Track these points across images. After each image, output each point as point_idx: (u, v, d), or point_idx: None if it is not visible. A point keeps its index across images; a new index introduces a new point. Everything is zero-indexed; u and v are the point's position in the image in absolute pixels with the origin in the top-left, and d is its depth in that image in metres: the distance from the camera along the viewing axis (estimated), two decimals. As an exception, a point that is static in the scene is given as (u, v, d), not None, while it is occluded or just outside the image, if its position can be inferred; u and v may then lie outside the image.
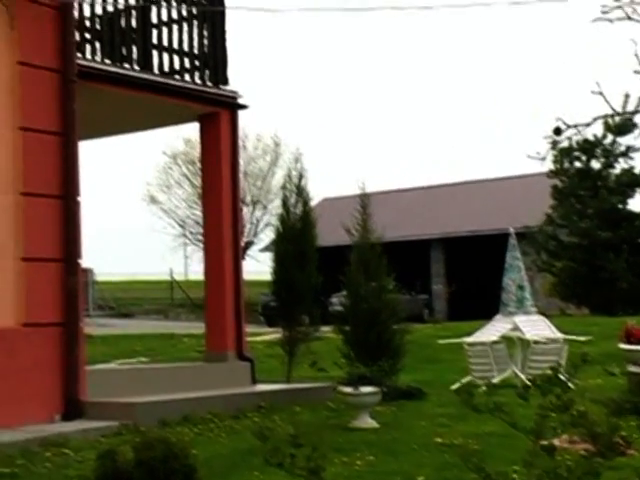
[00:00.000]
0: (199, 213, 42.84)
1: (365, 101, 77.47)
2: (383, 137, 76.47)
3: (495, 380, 11.86)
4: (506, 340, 12.82)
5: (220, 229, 11.83)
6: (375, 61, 77.43)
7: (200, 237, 44.16)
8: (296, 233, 12.32)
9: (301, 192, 12.43)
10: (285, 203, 12.44)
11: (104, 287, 40.31)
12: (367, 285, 12.01)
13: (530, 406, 3.64)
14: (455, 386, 11.55)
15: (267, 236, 40.17)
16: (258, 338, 19.04)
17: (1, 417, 8.25)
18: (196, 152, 41.79)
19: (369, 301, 11.84)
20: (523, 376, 11.77)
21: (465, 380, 12.11)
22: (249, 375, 11.51)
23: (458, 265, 36.25)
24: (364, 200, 12.52)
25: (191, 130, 28.59)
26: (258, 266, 36.32)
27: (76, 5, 9.76)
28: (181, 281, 45.87)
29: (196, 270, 48.23)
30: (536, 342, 12.40)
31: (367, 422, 9.09)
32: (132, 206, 77.89)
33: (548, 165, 28.07)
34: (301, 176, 12.47)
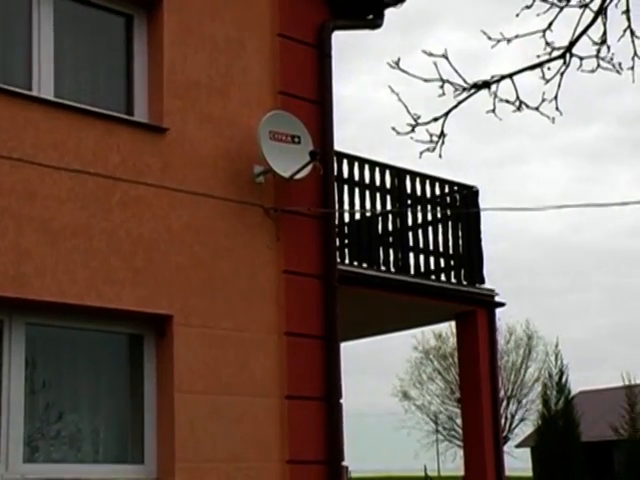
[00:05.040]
0: (452, 409, 42.44)
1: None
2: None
3: None
4: None
5: (480, 427, 11.73)
6: None
7: (453, 433, 43.62)
8: (559, 431, 12.02)
9: (562, 389, 12.18)
10: (546, 401, 12.21)
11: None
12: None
13: None
14: None
15: (522, 431, 39.11)
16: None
17: None
18: (448, 347, 41.84)
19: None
20: None
21: None
22: None
23: None
24: (630, 395, 12.07)
25: (442, 325, 28.76)
26: (514, 463, 35.25)
27: (336, 213, 10.17)
28: (435, 477, 45.09)
29: (449, 467, 47.38)
30: None
31: None
32: (383, 402, 78.13)
33: None
34: (562, 373, 12.25)
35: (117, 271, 8.13)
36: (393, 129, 5.83)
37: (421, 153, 5.95)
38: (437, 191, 12.08)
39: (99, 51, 8.94)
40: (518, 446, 38.25)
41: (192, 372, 8.39)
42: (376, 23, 10.13)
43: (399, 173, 11.72)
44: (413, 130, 5.69)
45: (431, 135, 5.76)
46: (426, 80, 5.59)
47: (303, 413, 9.04)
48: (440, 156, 5.76)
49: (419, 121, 5.57)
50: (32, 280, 7.68)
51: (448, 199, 12.19)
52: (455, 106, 5.73)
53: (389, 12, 10.09)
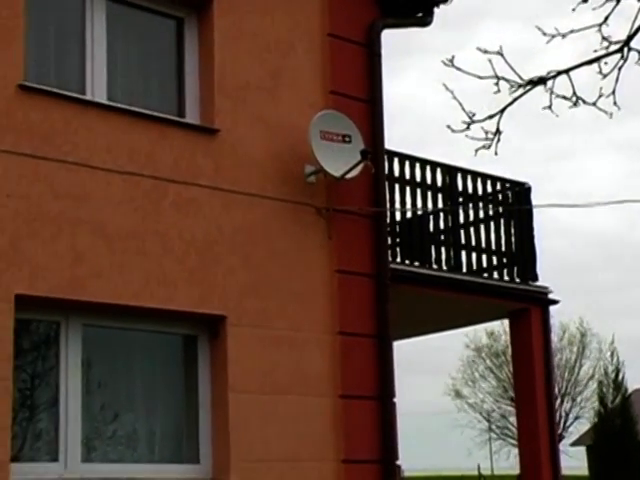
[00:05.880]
0: (505, 407, 42.22)
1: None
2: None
3: None
4: None
5: (535, 425, 11.66)
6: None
7: (507, 431, 43.39)
8: (616, 429, 11.89)
9: (618, 386, 12.05)
10: (602, 398, 12.09)
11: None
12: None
13: None
14: None
15: (577, 429, 38.78)
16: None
17: None
18: (500, 344, 41.60)
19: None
20: None
21: None
22: None
23: None
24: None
25: (493, 322, 28.54)
26: (569, 461, 34.94)
27: (388, 212, 10.15)
28: (488, 476, 44.84)
29: (503, 465, 47.11)
30: None
31: None
32: (436, 400, 77.98)
33: None
34: (617, 370, 12.12)
35: (170, 272, 8.19)
36: (448, 127, 5.81)
37: (476, 151, 5.92)
38: (489, 188, 12.02)
39: (151, 54, 9.01)
40: (573, 444, 37.94)
41: (246, 372, 8.42)
42: (426, 21, 10.09)
43: (450, 171, 11.67)
44: (468, 128, 5.66)
45: (486, 132, 5.73)
46: (481, 77, 5.56)
47: (357, 412, 9.04)
48: (496, 153, 5.72)
49: (474, 118, 5.55)
50: (88, 282, 7.76)
51: (500, 196, 12.12)
52: (511, 103, 5.70)
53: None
